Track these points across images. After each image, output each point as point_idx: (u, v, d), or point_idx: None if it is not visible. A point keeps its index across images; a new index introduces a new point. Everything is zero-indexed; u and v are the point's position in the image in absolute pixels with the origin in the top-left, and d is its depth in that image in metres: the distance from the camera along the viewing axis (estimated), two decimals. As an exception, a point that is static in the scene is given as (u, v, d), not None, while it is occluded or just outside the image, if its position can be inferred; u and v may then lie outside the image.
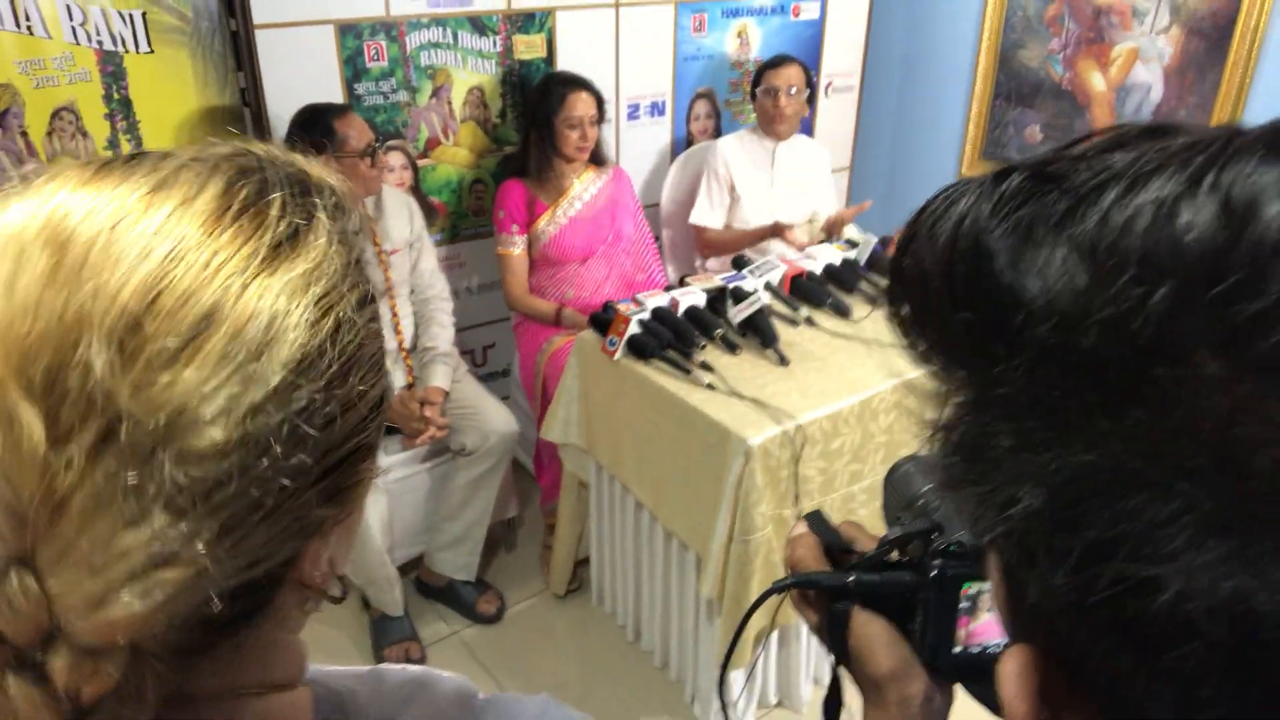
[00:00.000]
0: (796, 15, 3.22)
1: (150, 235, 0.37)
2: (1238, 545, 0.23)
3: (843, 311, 2.20)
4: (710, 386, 1.88)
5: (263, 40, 2.30)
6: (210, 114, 2.35)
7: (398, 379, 2.39)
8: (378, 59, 2.49)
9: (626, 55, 2.91)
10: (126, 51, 2.21)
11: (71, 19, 2.13)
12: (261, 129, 2.35)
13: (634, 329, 2.00)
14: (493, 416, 2.34)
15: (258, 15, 2.27)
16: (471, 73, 2.66)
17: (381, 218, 2.36)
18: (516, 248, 2.60)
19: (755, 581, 1.80)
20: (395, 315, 2.39)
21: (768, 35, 3.17)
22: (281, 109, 2.31)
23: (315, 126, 2.15)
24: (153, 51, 2.24)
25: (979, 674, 0.60)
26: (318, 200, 0.42)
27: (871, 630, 0.62)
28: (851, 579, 0.63)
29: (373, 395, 0.43)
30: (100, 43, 2.17)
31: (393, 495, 2.30)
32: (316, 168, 0.45)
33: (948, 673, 0.61)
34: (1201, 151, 0.26)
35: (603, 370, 2.08)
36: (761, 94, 2.75)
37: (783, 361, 1.99)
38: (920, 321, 0.32)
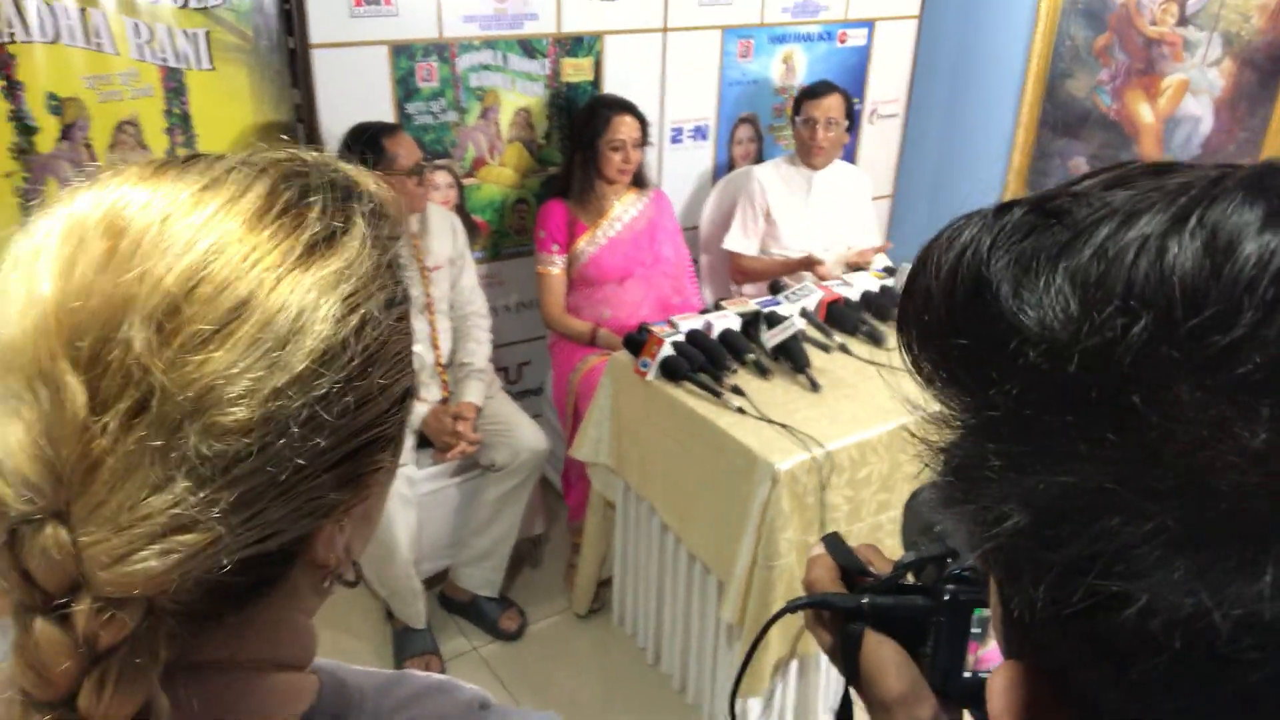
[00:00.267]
0: (843, 41, 3.22)
1: (196, 229, 0.40)
2: (1200, 564, 0.24)
3: (876, 339, 2.19)
4: (740, 410, 1.89)
5: (319, 59, 2.37)
6: (266, 130, 2.43)
7: (433, 393, 2.43)
8: (429, 79, 2.56)
9: (672, 79, 2.95)
10: (188, 69, 2.30)
11: (139, 36, 2.22)
12: (314, 145, 2.42)
13: (667, 350, 2.02)
14: (524, 433, 2.37)
15: (315, 35, 2.35)
16: (519, 94, 2.71)
17: (425, 235, 2.41)
18: (555, 267, 2.64)
19: (774, 608, 1.79)
20: (434, 330, 2.44)
21: (813, 61, 3.18)
22: (334, 126, 2.38)
23: (366, 144, 2.21)
24: (214, 69, 2.33)
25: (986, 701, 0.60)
26: (357, 205, 0.45)
27: (883, 653, 0.63)
28: (865, 601, 0.64)
29: (394, 390, 0.45)
30: (164, 60, 2.27)
31: (422, 508, 2.33)
32: (364, 175, 0.48)
33: (957, 698, 0.61)
34: (1190, 191, 0.28)
35: (635, 391, 2.09)
36: (800, 124, 2.75)
37: (814, 387, 1.98)
38: (923, 346, 0.33)
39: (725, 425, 1.85)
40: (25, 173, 2.18)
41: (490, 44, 2.61)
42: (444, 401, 2.40)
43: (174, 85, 2.30)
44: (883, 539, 1.94)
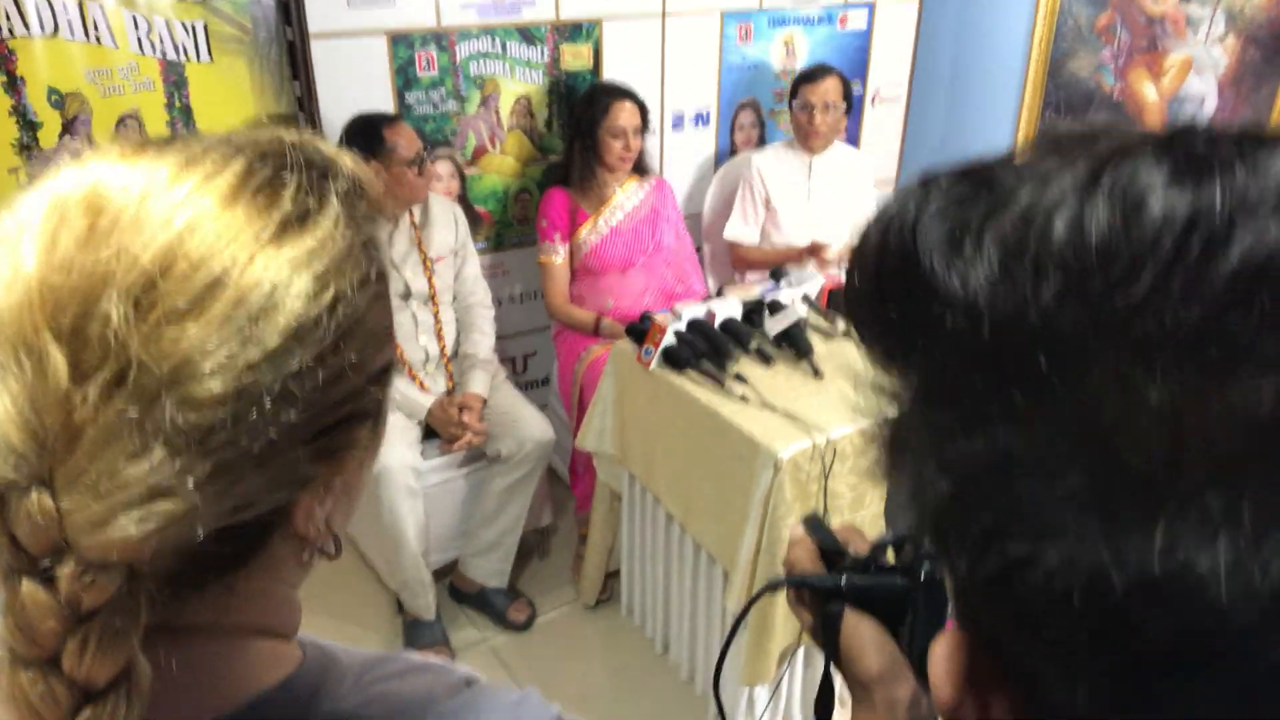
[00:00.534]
0: (844, 25, 3.20)
1: (172, 207, 0.41)
2: (1106, 524, 0.24)
3: (880, 325, 2.19)
4: (743, 398, 1.89)
5: (318, 50, 2.37)
6: (266, 121, 2.43)
7: (438, 384, 2.43)
8: (428, 68, 2.55)
9: (672, 65, 2.93)
10: (188, 61, 2.30)
11: (137, 29, 2.22)
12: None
13: (669, 339, 2.02)
14: (529, 424, 2.37)
15: (313, 25, 2.34)
16: (519, 82, 2.70)
17: (428, 225, 2.41)
18: (558, 256, 2.63)
19: (782, 596, 1.79)
20: (438, 321, 2.44)
21: (814, 45, 3.16)
22: (335, 116, 2.38)
23: (366, 135, 2.20)
24: (213, 61, 2.32)
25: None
26: (332, 184, 0.46)
27: (861, 632, 0.64)
28: (843, 581, 0.65)
29: (370, 367, 0.46)
30: (164, 53, 2.26)
31: (429, 500, 2.34)
32: (343, 155, 0.49)
33: None
34: (1107, 153, 0.28)
35: (638, 380, 2.10)
36: (797, 108, 2.73)
37: (817, 374, 1.99)
38: (860, 318, 0.34)
39: (728, 413, 1.86)
40: (30, 168, 2.18)
41: (489, 31, 2.60)
42: (449, 393, 2.41)
43: (174, 78, 2.29)
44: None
